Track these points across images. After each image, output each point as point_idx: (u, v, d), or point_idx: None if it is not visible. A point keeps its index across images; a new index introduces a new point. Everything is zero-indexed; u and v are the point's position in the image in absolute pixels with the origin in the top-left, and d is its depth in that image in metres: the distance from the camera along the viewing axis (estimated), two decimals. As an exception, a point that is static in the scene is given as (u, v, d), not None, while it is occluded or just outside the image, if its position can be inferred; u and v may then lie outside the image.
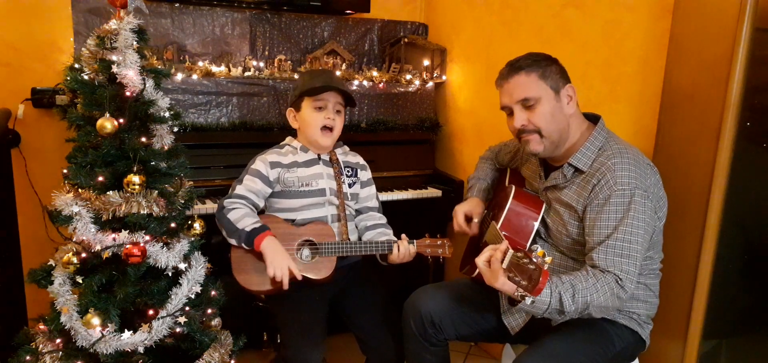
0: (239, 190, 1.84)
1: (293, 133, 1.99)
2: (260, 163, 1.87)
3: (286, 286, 1.73)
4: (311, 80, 1.87)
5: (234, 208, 1.80)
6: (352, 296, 1.93)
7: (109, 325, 1.44)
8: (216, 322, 1.70)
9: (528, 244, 1.59)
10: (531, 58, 1.52)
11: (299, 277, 1.75)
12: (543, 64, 1.51)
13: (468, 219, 1.82)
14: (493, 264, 1.34)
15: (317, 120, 1.86)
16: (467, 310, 1.73)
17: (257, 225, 1.76)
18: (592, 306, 1.37)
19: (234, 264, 1.81)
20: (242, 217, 1.77)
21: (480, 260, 1.38)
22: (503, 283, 1.32)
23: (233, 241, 1.78)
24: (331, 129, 1.87)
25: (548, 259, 1.26)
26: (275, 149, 1.94)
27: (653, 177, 1.49)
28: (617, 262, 1.39)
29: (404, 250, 1.80)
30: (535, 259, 1.24)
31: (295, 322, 1.81)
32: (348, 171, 1.97)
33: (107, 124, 1.40)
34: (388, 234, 1.93)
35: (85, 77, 1.48)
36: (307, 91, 1.85)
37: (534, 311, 1.38)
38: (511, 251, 1.28)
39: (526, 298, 1.28)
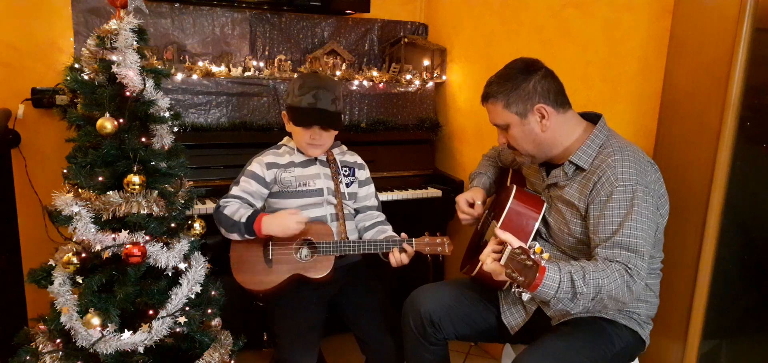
0: (235, 191, 1.85)
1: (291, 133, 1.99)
2: (256, 165, 1.87)
3: (304, 220, 1.77)
4: (299, 97, 1.82)
5: (228, 205, 1.80)
6: (352, 296, 1.93)
7: (109, 325, 1.44)
8: (216, 322, 1.70)
9: (528, 244, 1.59)
10: (499, 83, 1.54)
11: (305, 218, 1.77)
12: (510, 87, 1.52)
13: (470, 205, 1.82)
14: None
15: (303, 137, 1.86)
16: (467, 309, 1.73)
17: (251, 212, 1.77)
18: (604, 290, 1.34)
19: (233, 263, 1.82)
20: (237, 210, 1.78)
21: (484, 255, 1.39)
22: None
23: (234, 236, 1.78)
24: (318, 146, 1.87)
25: (546, 255, 1.26)
26: (272, 150, 1.94)
27: (654, 174, 1.49)
28: (625, 256, 1.38)
29: (399, 257, 1.79)
30: (532, 256, 1.24)
31: (290, 326, 1.81)
32: (345, 171, 1.97)
33: (107, 124, 1.40)
34: (386, 230, 1.94)
35: (85, 77, 1.48)
36: (291, 114, 1.85)
37: (544, 296, 1.33)
38: (509, 248, 1.28)
39: (524, 293, 1.28)
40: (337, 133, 1.91)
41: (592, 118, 1.59)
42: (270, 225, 1.75)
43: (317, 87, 1.81)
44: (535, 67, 1.53)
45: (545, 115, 1.51)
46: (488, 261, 1.37)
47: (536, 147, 1.56)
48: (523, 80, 1.51)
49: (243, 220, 1.75)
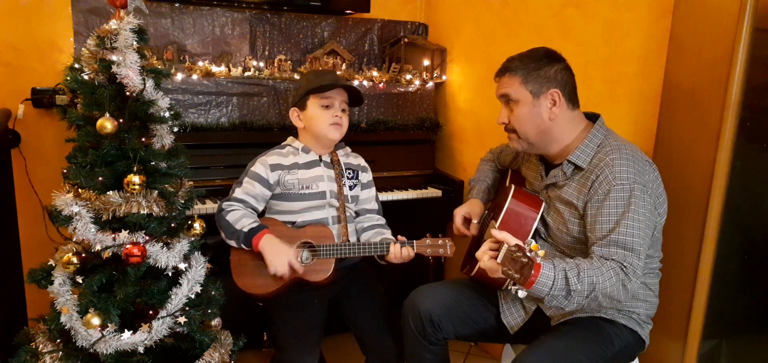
0: (238, 193, 1.84)
1: (294, 133, 1.98)
2: (260, 166, 1.86)
3: (286, 277, 1.73)
4: (317, 79, 1.87)
5: (232, 210, 1.80)
6: (352, 296, 1.93)
7: (109, 325, 1.44)
8: (216, 322, 1.70)
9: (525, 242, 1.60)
10: (523, 60, 1.55)
11: (300, 271, 1.74)
12: (532, 66, 1.53)
13: (467, 221, 1.83)
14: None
15: (325, 117, 1.85)
16: (466, 309, 1.73)
17: (255, 225, 1.76)
18: (599, 288, 1.34)
19: (233, 267, 1.81)
20: (240, 218, 1.77)
21: (480, 253, 1.39)
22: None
23: (232, 243, 1.78)
24: (338, 125, 1.88)
25: (541, 252, 1.27)
26: (276, 150, 1.93)
27: (652, 173, 1.49)
28: (621, 255, 1.39)
29: (399, 251, 1.77)
30: (528, 254, 1.25)
31: (291, 327, 1.81)
32: (349, 173, 1.96)
33: (107, 124, 1.40)
34: (384, 233, 1.93)
35: (85, 77, 1.48)
36: (314, 90, 1.85)
37: (539, 293, 1.33)
38: (506, 246, 1.29)
39: (520, 291, 1.28)
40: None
41: (590, 118, 1.59)
42: (265, 247, 1.72)
43: (334, 72, 1.97)
44: (558, 57, 1.56)
45: (556, 102, 1.52)
46: (485, 258, 1.38)
47: (537, 134, 1.56)
48: (545, 64, 1.53)
49: (244, 230, 1.75)
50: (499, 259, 1.30)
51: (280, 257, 1.72)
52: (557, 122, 1.54)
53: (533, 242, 1.29)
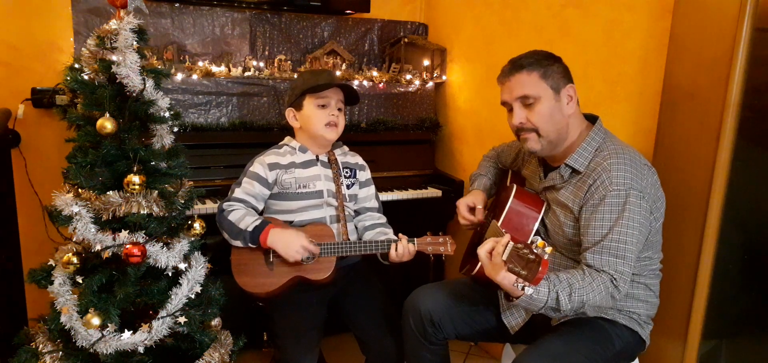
0: (237, 193, 1.84)
1: (293, 133, 1.98)
2: (258, 166, 1.87)
3: (315, 250, 1.78)
4: (313, 78, 1.87)
5: (233, 210, 1.80)
6: (352, 296, 1.93)
7: (109, 325, 1.44)
8: (216, 322, 1.70)
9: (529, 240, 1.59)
10: (534, 57, 1.53)
11: (316, 251, 1.78)
12: (545, 63, 1.51)
13: (471, 210, 1.83)
14: (494, 257, 1.34)
15: (321, 117, 1.85)
16: (466, 309, 1.73)
17: (258, 222, 1.77)
18: (588, 304, 1.38)
19: (234, 266, 1.81)
20: (243, 217, 1.78)
21: (482, 251, 1.38)
22: (503, 277, 1.33)
23: (238, 243, 1.78)
24: (335, 125, 1.88)
25: (548, 249, 1.26)
26: (273, 150, 1.93)
27: (651, 177, 1.48)
28: (612, 263, 1.39)
29: (403, 248, 1.78)
30: (535, 250, 1.25)
31: (290, 327, 1.81)
32: (346, 172, 1.96)
33: (107, 124, 1.40)
34: (387, 233, 1.93)
35: (85, 77, 1.48)
36: (310, 89, 1.85)
37: (531, 306, 1.38)
38: (511, 243, 1.29)
39: (527, 288, 1.28)
40: (345, 122, 1.94)
41: (589, 120, 1.59)
42: (275, 241, 1.75)
43: (330, 72, 1.98)
44: (558, 58, 1.56)
45: (572, 98, 1.52)
46: (501, 271, 1.34)
47: (556, 131, 1.52)
48: (555, 62, 1.53)
49: (249, 229, 1.75)
50: (504, 257, 1.29)
51: (293, 244, 1.74)
52: (572, 119, 1.54)
53: (539, 239, 1.28)
